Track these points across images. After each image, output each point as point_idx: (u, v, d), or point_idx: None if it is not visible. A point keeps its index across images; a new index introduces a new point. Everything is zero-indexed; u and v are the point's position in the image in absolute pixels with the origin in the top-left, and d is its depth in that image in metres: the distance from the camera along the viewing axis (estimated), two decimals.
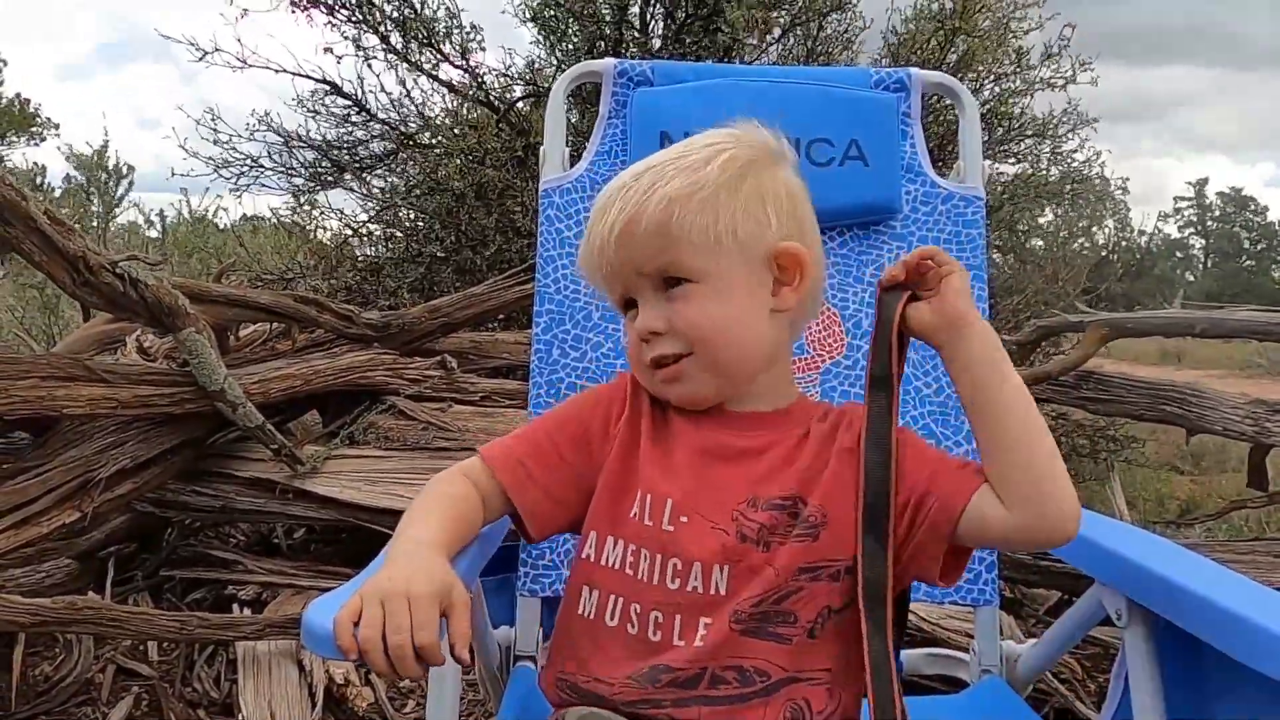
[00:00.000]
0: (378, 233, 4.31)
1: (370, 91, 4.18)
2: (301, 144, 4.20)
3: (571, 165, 1.44)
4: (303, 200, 4.35)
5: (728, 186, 0.89)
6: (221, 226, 6.58)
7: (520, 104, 4.06)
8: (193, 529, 2.35)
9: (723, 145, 0.92)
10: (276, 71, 4.04)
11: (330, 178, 4.27)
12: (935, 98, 3.77)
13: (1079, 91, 4.48)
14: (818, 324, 1.39)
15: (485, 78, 4.01)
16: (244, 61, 3.96)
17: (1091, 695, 1.76)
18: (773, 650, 0.84)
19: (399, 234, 4.23)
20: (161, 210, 7.05)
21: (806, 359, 1.38)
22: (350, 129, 4.24)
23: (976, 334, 0.86)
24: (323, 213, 4.43)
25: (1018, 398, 0.84)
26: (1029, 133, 4.49)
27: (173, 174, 4.35)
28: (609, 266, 0.91)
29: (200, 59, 3.94)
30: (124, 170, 6.56)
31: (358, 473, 2.12)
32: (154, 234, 6.84)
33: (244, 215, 6.48)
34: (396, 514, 0.90)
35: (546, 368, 1.34)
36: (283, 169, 4.25)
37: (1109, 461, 3.15)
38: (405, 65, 4.03)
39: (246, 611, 1.99)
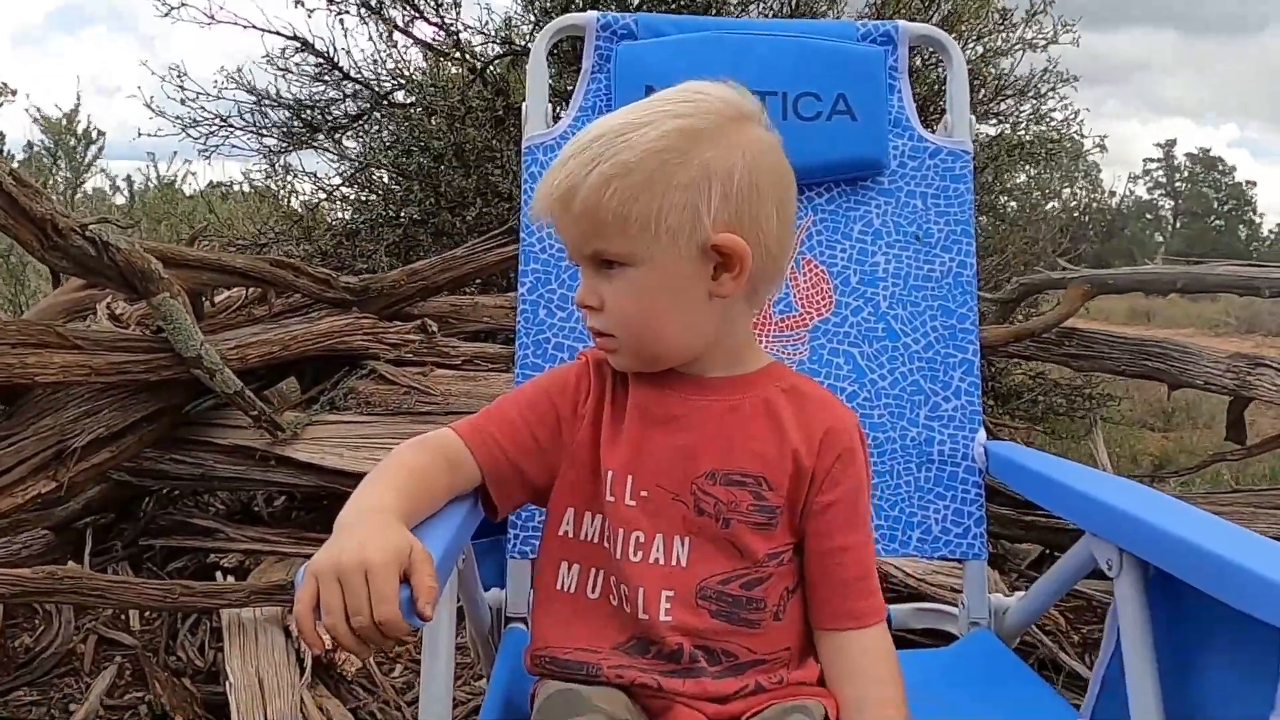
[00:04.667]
0: (352, 196, 4.24)
1: (343, 50, 4.08)
2: (273, 103, 4.10)
3: (554, 123, 1.41)
4: (276, 163, 4.25)
5: (668, 167, 0.84)
6: (189, 193, 6.47)
7: (498, 63, 3.99)
8: (172, 498, 2.32)
9: (679, 111, 0.87)
10: (245, 28, 3.92)
11: (304, 137, 4.16)
12: (920, 54, 3.75)
13: (1054, 52, 4.47)
14: (805, 281, 1.38)
15: (462, 35, 3.94)
16: (212, 16, 3.84)
17: (1075, 646, 1.79)
18: (743, 635, 0.88)
19: (375, 197, 4.16)
20: (129, 175, 6.90)
21: (794, 316, 1.37)
22: (323, 88, 4.14)
23: None
24: (296, 175, 4.34)
25: None
26: (1009, 92, 4.47)
27: (139, 134, 4.24)
28: (556, 231, 0.91)
29: (166, 14, 3.82)
30: (94, 135, 6.38)
31: (339, 438, 2.09)
32: (121, 200, 6.69)
33: (212, 183, 6.37)
34: None
35: (533, 328, 1.33)
36: (253, 129, 4.14)
37: (1091, 417, 3.18)
38: (379, 21, 3.93)
39: (229, 580, 1.97)
